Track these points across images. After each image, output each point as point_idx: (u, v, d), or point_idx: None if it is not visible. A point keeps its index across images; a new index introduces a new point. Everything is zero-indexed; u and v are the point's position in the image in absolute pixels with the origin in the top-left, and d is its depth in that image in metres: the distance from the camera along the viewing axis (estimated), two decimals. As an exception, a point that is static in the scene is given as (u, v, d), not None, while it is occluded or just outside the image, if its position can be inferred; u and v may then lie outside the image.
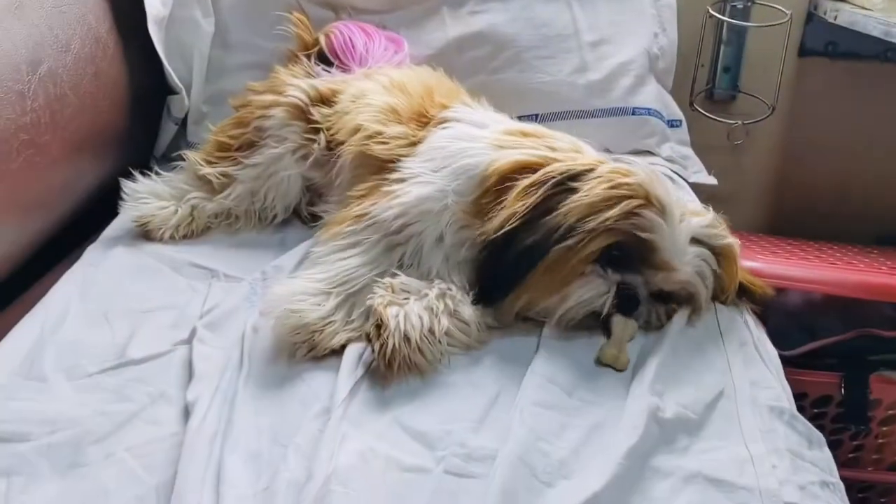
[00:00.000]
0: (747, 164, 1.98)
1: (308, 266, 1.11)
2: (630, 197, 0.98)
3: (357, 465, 0.84)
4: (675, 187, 1.14)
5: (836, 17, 1.73)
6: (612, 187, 0.99)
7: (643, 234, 0.98)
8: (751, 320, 1.11)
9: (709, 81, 1.93)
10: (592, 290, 1.00)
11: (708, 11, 1.82)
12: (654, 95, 1.63)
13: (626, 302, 1.01)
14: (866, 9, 1.64)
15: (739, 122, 1.87)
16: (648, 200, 0.99)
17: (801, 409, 1.00)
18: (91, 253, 1.23)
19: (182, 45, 1.52)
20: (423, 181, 1.09)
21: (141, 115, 1.49)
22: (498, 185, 1.05)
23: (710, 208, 1.11)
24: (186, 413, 0.93)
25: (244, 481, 0.83)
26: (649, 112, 1.60)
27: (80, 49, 1.29)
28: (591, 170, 1.02)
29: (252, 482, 0.83)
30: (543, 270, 0.99)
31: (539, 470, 0.81)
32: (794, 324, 1.57)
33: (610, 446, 0.83)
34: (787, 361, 1.20)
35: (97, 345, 1.04)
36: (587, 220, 0.97)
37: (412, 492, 0.81)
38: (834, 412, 1.49)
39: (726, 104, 1.95)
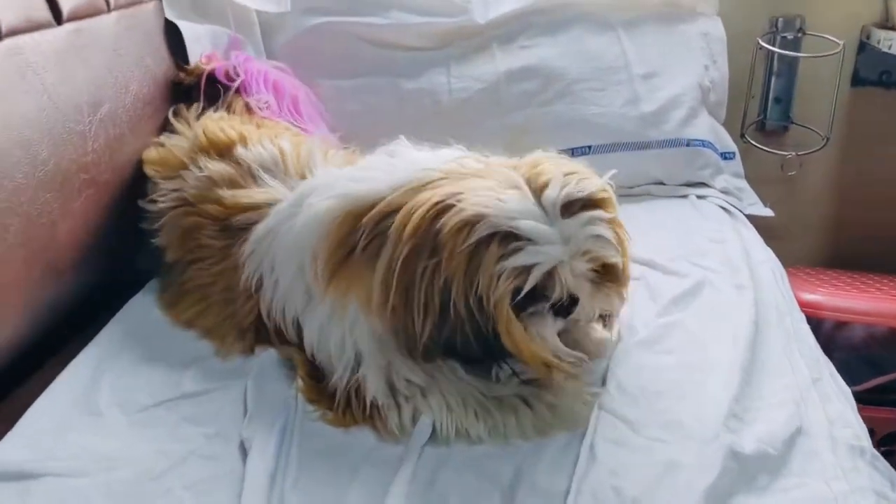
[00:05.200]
0: (802, 196, 1.94)
1: None
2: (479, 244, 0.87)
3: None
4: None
5: (890, 47, 1.70)
6: (462, 238, 0.87)
7: (521, 272, 0.88)
8: (821, 356, 1.07)
9: (760, 113, 1.91)
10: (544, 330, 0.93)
11: (758, 43, 1.80)
12: (707, 127, 1.61)
13: (566, 310, 0.94)
14: (922, 37, 1.62)
15: (793, 154, 1.84)
16: (501, 231, 0.87)
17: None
18: (149, 287, 1.24)
19: (236, 86, 1.54)
20: None
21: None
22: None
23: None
24: (243, 450, 0.92)
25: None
26: (703, 144, 1.58)
27: (139, 90, 1.31)
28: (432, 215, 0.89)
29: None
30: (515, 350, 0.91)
31: (612, 509, 0.78)
32: (859, 358, 1.53)
33: (686, 485, 0.80)
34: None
35: (151, 378, 1.04)
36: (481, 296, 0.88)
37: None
38: (904, 450, 1.44)
39: (779, 136, 1.92)
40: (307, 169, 1.15)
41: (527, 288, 0.88)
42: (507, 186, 0.90)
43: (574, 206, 0.90)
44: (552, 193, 0.89)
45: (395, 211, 0.92)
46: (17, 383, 1.05)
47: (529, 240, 0.87)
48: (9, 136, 1.00)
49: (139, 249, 1.29)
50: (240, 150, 1.18)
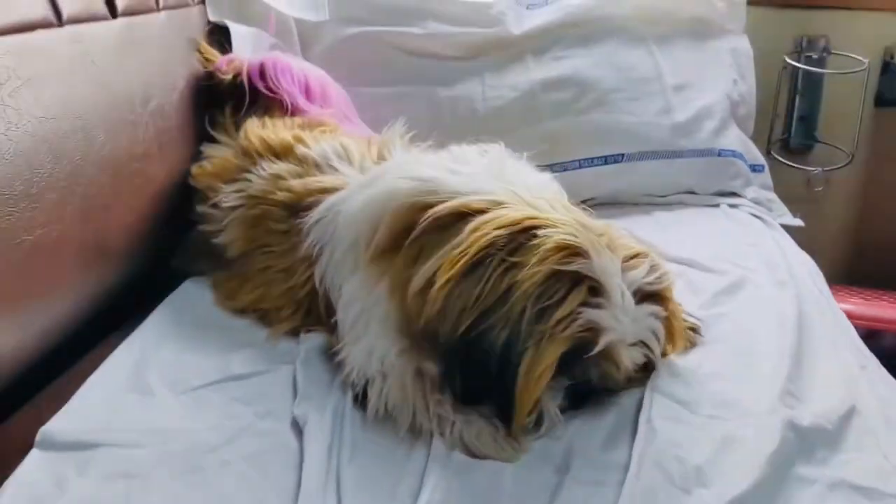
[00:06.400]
0: (826, 213, 1.96)
1: None
2: (576, 279, 0.83)
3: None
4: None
5: (915, 67, 1.73)
6: (561, 260, 0.83)
7: (591, 328, 0.84)
8: (864, 346, 1.07)
9: (785, 132, 1.93)
10: (547, 400, 0.88)
11: (784, 61, 1.84)
12: (737, 139, 1.63)
13: (577, 400, 0.90)
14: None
15: (819, 169, 1.86)
16: (593, 279, 0.84)
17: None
18: (188, 283, 1.25)
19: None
20: None
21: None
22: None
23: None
24: (296, 427, 0.92)
25: (363, 490, 0.82)
26: (734, 154, 1.60)
27: (185, 89, 1.34)
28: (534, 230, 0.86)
29: (371, 492, 0.82)
30: (523, 380, 0.83)
31: (675, 476, 0.79)
32: (889, 366, 1.52)
33: (750, 454, 0.80)
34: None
35: (199, 362, 1.05)
36: (542, 312, 0.82)
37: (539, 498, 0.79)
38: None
39: (803, 154, 1.94)
40: (386, 152, 1.16)
41: (594, 351, 0.84)
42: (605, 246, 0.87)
43: (641, 294, 0.87)
44: (638, 274, 0.87)
45: (470, 213, 0.90)
46: (70, 363, 1.06)
47: (613, 304, 0.84)
48: (68, 118, 1.03)
49: (175, 250, 1.30)
50: (300, 149, 1.18)
